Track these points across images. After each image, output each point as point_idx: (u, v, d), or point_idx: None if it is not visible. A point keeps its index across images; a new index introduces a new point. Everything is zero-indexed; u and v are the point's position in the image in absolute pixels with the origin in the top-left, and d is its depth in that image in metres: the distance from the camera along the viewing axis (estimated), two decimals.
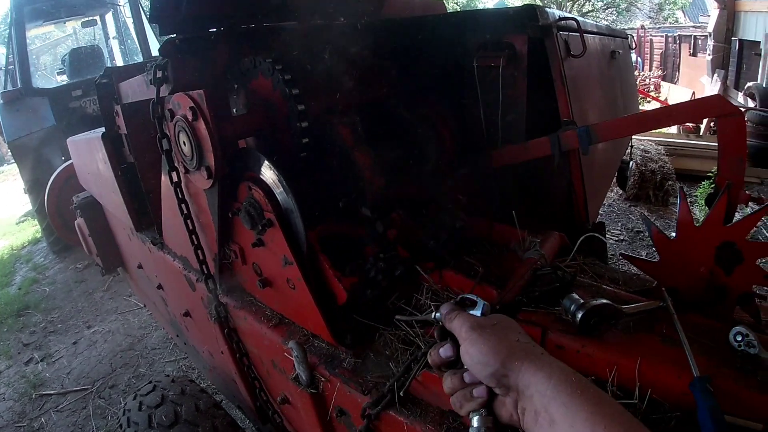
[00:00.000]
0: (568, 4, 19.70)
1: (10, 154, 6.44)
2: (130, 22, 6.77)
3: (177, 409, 1.59)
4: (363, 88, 1.45)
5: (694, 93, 9.67)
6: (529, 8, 1.40)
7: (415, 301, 1.21)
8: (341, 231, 1.23)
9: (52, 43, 12.78)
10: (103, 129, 2.09)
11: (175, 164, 1.30)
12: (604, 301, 1.01)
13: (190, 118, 1.10)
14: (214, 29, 1.35)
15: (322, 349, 1.14)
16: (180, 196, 1.33)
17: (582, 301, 1.01)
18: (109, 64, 6.97)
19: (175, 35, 1.27)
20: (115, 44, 7.59)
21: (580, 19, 1.56)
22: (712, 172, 4.85)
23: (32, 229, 7.24)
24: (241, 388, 1.60)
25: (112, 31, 7.56)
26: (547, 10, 1.45)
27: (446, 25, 1.60)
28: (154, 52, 6.02)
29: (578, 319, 0.99)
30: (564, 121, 1.48)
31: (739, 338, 0.95)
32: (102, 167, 2.10)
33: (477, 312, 0.73)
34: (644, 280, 1.34)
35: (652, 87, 11.43)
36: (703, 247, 1.15)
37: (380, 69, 1.50)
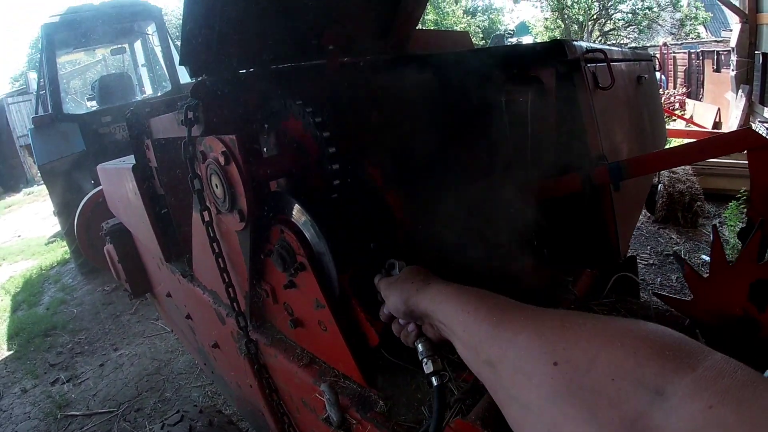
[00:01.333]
0: (589, 23, 19.70)
1: (39, 175, 6.65)
2: (158, 50, 6.98)
3: None
4: (391, 127, 1.47)
5: (719, 110, 9.48)
6: (557, 43, 1.40)
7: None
8: (373, 273, 1.22)
9: (82, 69, 13.24)
10: (133, 159, 2.15)
11: (207, 204, 1.33)
12: None
13: (222, 162, 1.12)
14: (245, 70, 1.38)
15: (353, 390, 1.13)
16: (212, 234, 1.35)
17: None
18: (138, 92, 7.19)
19: (205, 77, 1.30)
20: (143, 71, 7.82)
21: (607, 48, 1.56)
22: (741, 193, 4.74)
23: (61, 249, 7.42)
24: (269, 421, 1.59)
25: (140, 58, 7.80)
26: (575, 43, 1.45)
27: (474, 60, 1.60)
28: (183, 80, 6.19)
29: None
30: (593, 155, 1.47)
31: None
32: (132, 197, 2.15)
33: (396, 271, 0.96)
34: (677, 316, 1.31)
35: (677, 105, 11.26)
36: (736, 285, 1.13)
37: (408, 105, 1.51)
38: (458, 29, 19.70)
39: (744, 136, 1.30)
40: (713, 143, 1.39)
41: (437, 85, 1.58)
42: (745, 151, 1.26)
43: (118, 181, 2.39)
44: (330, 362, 1.21)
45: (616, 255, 1.55)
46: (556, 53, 1.41)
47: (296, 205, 1.12)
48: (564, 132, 1.54)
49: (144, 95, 7.28)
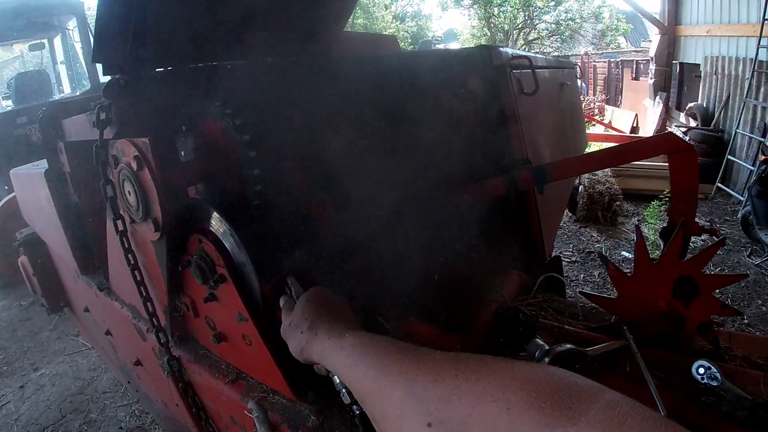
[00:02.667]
0: (515, 32, 20.63)
1: None
2: (78, 46, 6.51)
3: None
4: (321, 128, 1.43)
5: (636, 115, 10.21)
6: (484, 49, 1.43)
7: None
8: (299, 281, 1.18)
9: None
10: (46, 163, 1.98)
11: (121, 212, 1.23)
12: (569, 346, 1.02)
13: (134, 167, 1.04)
14: (161, 69, 1.29)
15: (282, 405, 1.09)
16: (126, 245, 1.25)
17: (547, 347, 1.01)
18: (56, 90, 6.68)
19: (119, 75, 1.21)
20: (62, 69, 7.27)
21: (532, 55, 1.61)
22: (662, 194, 5.10)
23: None
24: None
25: (60, 55, 7.26)
26: (501, 49, 1.48)
27: (402, 63, 1.60)
28: (103, 79, 5.81)
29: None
30: (518, 159, 1.51)
31: (701, 371, 0.98)
32: (45, 205, 1.98)
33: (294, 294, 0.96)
34: (604, 314, 1.37)
35: (596, 111, 11.99)
36: (661, 282, 1.19)
37: (332, 109, 1.48)
38: (388, 32, 20.02)
39: (664, 140, 1.38)
40: (635, 147, 1.46)
41: (364, 88, 1.56)
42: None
43: (31, 187, 2.19)
44: (257, 377, 1.16)
45: (542, 256, 1.60)
46: (482, 59, 1.44)
47: (214, 213, 1.05)
48: (489, 136, 1.57)
49: (62, 94, 6.77)
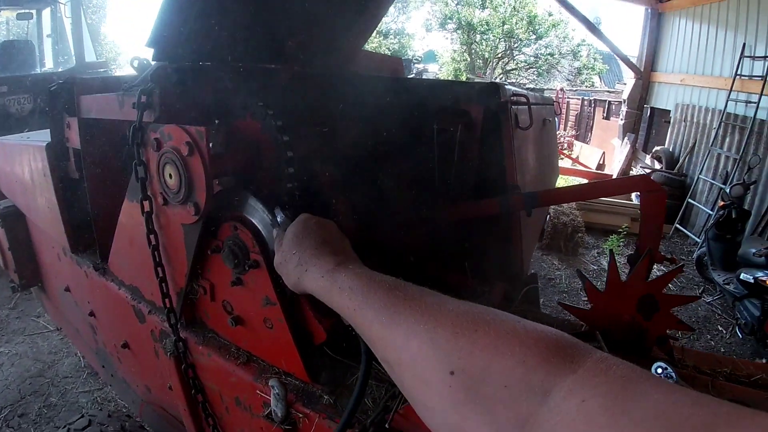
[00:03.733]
0: (494, 60, 21.37)
1: None
2: (68, 22, 6.28)
3: None
4: (336, 137, 1.55)
5: (604, 153, 10.83)
6: (492, 86, 1.60)
7: None
8: None
9: None
10: (39, 136, 1.96)
11: (149, 193, 1.29)
12: None
13: (185, 153, 1.11)
14: (208, 62, 1.38)
15: (296, 386, 1.17)
16: (150, 226, 1.31)
17: None
18: (38, 64, 6.40)
19: (168, 62, 1.28)
20: (47, 43, 6.96)
21: (528, 93, 1.80)
22: (622, 228, 5.50)
23: None
24: (187, 424, 1.55)
25: (47, 29, 6.95)
26: (506, 86, 1.66)
27: (416, 88, 1.75)
28: (89, 58, 5.64)
29: None
30: (510, 185, 1.68)
31: (659, 371, 1.16)
32: (38, 179, 1.96)
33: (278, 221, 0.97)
34: (575, 325, 1.55)
35: (566, 145, 12.60)
36: (627, 298, 1.39)
37: (350, 119, 1.61)
38: (369, 48, 20.28)
39: (641, 180, 1.60)
40: (615, 184, 1.67)
41: (384, 106, 1.70)
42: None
43: (18, 159, 2.16)
44: (270, 360, 1.24)
45: (523, 271, 1.77)
46: (490, 93, 1.61)
47: (256, 202, 1.14)
48: (485, 162, 1.74)
49: (44, 68, 6.49)
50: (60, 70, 6.21)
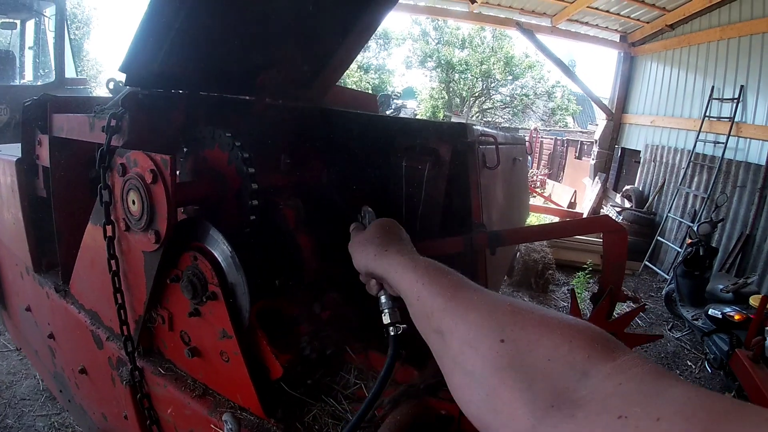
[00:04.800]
0: (471, 99, 21.88)
1: None
2: (51, 36, 6.27)
3: None
4: (304, 171, 1.57)
5: (575, 192, 11.07)
6: (460, 126, 1.65)
7: (340, 378, 1.28)
8: (277, 308, 1.28)
9: None
10: (11, 150, 1.94)
11: (112, 218, 1.29)
12: None
13: (148, 180, 1.12)
14: (179, 90, 1.39)
15: (251, 422, 1.15)
16: (111, 251, 1.30)
17: None
18: (17, 75, 6.35)
19: (139, 88, 1.30)
20: (29, 55, 6.92)
21: (496, 133, 1.86)
22: (587, 264, 5.59)
23: None
24: None
25: (29, 41, 6.91)
26: (474, 126, 1.71)
27: (384, 125, 1.79)
28: (69, 74, 5.61)
29: None
30: (475, 223, 1.71)
31: None
32: (6, 194, 1.94)
33: (366, 221, 1.05)
34: None
35: (538, 183, 12.84)
36: None
37: (319, 153, 1.63)
38: (350, 82, 20.60)
39: (602, 221, 1.64)
40: (578, 224, 1.72)
41: (351, 142, 1.72)
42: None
43: None
44: (226, 394, 1.22)
45: None
46: (458, 133, 1.65)
47: (220, 236, 1.15)
48: (452, 200, 1.77)
49: (23, 80, 6.43)
50: (39, 83, 6.18)
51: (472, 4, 8.29)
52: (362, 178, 1.70)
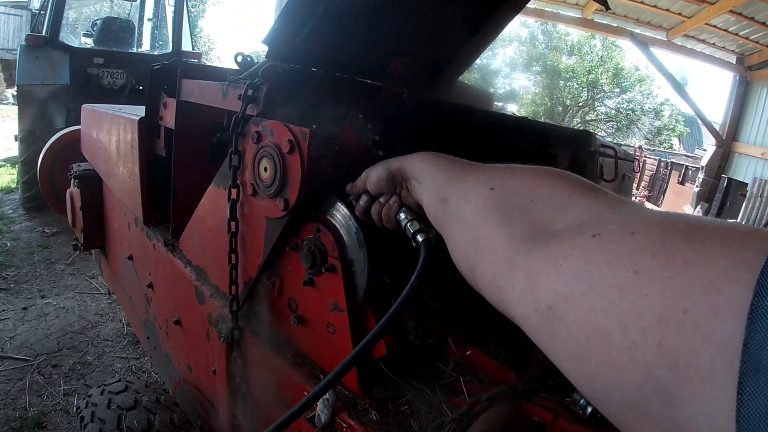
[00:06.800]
0: (574, 108, 20.95)
1: (10, 95, 6.32)
2: (170, 9, 6.75)
3: (150, 418, 1.53)
4: None
5: None
6: (586, 133, 1.58)
7: (436, 368, 1.27)
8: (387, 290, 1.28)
9: (82, 1, 12.47)
10: (131, 110, 2.07)
11: (238, 182, 1.34)
12: None
13: (285, 150, 1.15)
14: (316, 68, 1.43)
15: (345, 396, 1.16)
16: (233, 213, 1.35)
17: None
18: (136, 44, 6.89)
19: (280, 62, 1.35)
20: (147, 26, 7.49)
21: (618, 148, 1.77)
22: None
23: (8, 177, 6.77)
24: (222, 411, 1.56)
25: (149, 12, 7.49)
26: (597, 136, 1.64)
27: (508, 124, 1.75)
28: (185, 47, 6.03)
29: (588, 412, 1.09)
30: None
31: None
32: (125, 150, 2.07)
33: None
34: None
35: None
36: None
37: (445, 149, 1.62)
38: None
39: None
40: None
41: (472, 136, 1.70)
42: None
43: (108, 128, 2.29)
44: (325, 365, 1.24)
45: None
46: (581, 141, 1.59)
47: (344, 208, 1.16)
48: None
49: (141, 49, 6.97)
50: (155, 53, 6.70)
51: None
52: None
